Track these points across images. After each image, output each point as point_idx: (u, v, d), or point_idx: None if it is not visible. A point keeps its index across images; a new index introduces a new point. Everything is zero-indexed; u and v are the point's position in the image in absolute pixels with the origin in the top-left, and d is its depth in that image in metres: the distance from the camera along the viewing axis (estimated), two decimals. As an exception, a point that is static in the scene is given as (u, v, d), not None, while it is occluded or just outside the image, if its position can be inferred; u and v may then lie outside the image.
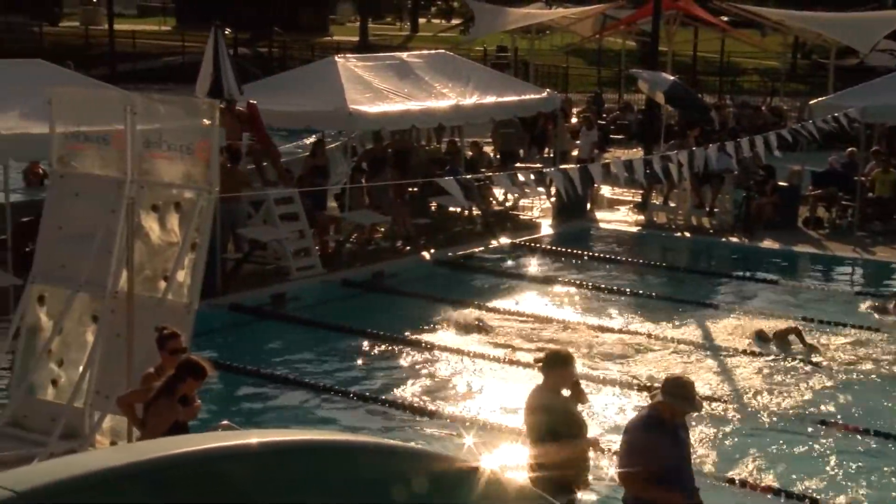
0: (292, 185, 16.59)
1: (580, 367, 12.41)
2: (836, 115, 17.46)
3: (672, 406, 6.82)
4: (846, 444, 10.58)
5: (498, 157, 23.22)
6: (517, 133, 24.11)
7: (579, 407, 7.77)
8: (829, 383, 12.19)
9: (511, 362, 12.57)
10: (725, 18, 39.41)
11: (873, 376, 12.46)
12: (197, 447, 3.97)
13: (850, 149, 20.93)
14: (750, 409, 11.36)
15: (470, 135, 21.49)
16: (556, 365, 7.51)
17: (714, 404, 11.34)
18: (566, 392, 7.59)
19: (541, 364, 7.65)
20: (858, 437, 10.71)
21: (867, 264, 17.81)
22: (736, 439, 10.70)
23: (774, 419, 11.15)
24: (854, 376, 12.42)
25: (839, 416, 11.12)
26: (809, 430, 10.88)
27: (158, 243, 9.42)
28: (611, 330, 13.93)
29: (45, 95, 10.16)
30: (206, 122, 9.48)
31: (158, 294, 9.26)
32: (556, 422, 7.38)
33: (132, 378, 8.66)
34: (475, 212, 19.28)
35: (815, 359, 12.83)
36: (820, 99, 21.13)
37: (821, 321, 14.33)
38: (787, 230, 19.23)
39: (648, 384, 11.34)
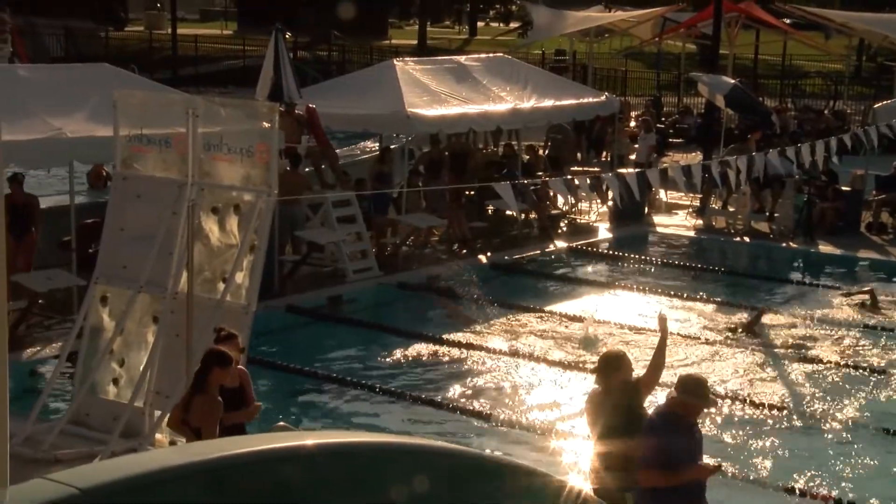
0: (350, 187, 16.69)
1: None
2: (901, 119, 17.16)
3: (687, 404, 6.86)
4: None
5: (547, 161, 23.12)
6: (566, 138, 24.00)
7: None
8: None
9: (567, 366, 12.52)
10: (788, 21, 38.87)
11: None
12: (253, 448, 4.02)
13: (916, 153, 20.56)
14: (808, 415, 11.21)
15: (525, 139, 21.45)
16: (610, 369, 7.50)
17: (766, 409, 11.23)
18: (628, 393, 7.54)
19: (595, 371, 7.65)
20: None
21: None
22: (801, 446, 10.56)
23: (837, 426, 10.99)
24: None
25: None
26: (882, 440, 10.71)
27: (218, 245, 9.53)
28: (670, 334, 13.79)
29: (109, 99, 10.34)
30: (266, 124, 9.59)
31: (217, 295, 9.37)
32: (615, 423, 7.36)
33: (190, 378, 8.76)
34: (532, 215, 19.24)
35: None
36: (885, 102, 20.78)
37: (883, 328, 14.11)
38: (849, 235, 18.92)
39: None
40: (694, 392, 6.87)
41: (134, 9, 65.80)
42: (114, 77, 14.10)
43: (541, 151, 22.94)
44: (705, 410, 7.40)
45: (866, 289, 15.36)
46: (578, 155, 24.70)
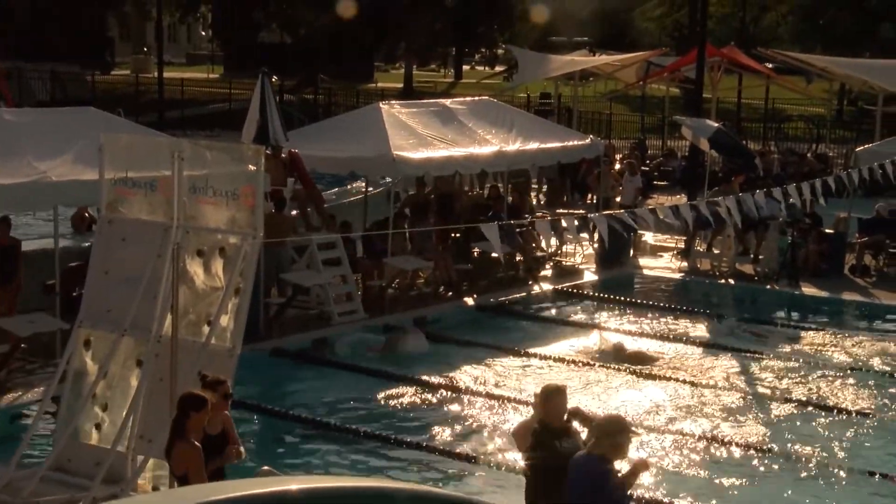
0: (335, 230, 16.70)
1: (630, 412, 12.35)
2: (882, 162, 17.29)
3: (617, 446, 6.97)
4: None
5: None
6: (527, 181, 23.98)
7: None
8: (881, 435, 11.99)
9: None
10: (770, 65, 39.30)
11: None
12: (238, 493, 3.98)
13: (898, 196, 20.73)
14: (795, 458, 11.19)
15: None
16: (544, 400, 7.71)
17: (752, 452, 11.22)
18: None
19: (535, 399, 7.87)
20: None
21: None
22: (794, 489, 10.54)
23: (814, 468, 10.98)
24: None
25: None
26: (867, 483, 10.69)
27: (203, 288, 9.50)
28: (654, 377, 13.82)
29: (95, 142, 10.34)
30: (252, 167, 9.59)
31: (202, 338, 9.32)
32: (544, 457, 7.52)
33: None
34: (517, 258, 19.27)
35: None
36: (866, 146, 20.97)
37: (868, 370, 14.13)
38: (833, 278, 19.01)
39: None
40: (620, 432, 6.98)
41: (121, 53, 66.11)
42: (100, 121, 14.11)
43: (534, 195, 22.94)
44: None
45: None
46: (564, 197, 24.79)
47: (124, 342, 9.66)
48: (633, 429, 7.39)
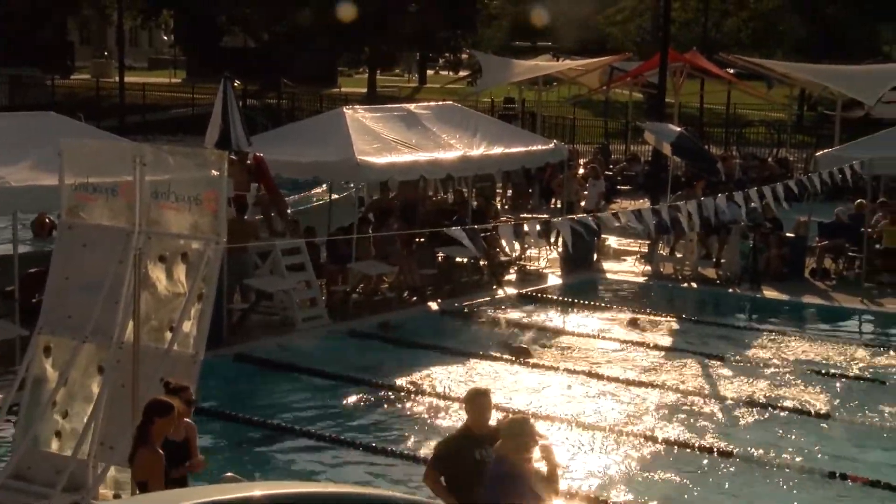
0: (299, 235, 16.64)
1: (587, 417, 12.40)
2: (842, 167, 17.49)
3: (518, 447, 7.06)
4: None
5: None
6: (492, 186, 24.11)
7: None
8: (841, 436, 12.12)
9: (515, 413, 12.49)
10: (732, 71, 39.67)
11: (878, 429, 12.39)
12: (201, 499, 3.96)
13: (857, 200, 20.98)
14: (754, 460, 11.29)
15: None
16: (469, 404, 7.82)
17: (707, 452, 11.32)
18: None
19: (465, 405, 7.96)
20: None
21: (874, 316, 17.74)
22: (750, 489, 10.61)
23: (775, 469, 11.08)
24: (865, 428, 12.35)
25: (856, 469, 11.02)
26: (827, 485, 10.80)
27: (165, 294, 9.43)
28: (617, 380, 13.88)
29: (55, 147, 10.23)
30: (215, 172, 9.53)
31: (164, 344, 9.25)
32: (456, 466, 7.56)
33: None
34: (482, 262, 19.31)
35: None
36: (826, 151, 21.20)
37: (824, 374, 14.28)
38: (793, 281, 19.20)
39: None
40: (520, 434, 7.06)
41: (81, 57, 65.45)
42: (60, 125, 13.98)
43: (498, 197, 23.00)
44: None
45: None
46: (529, 202, 24.88)
47: (85, 349, 9.56)
48: (538, 431, 7.44)
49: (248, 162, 16.12)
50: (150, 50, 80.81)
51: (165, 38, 78.20)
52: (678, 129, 21.96)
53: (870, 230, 19.63)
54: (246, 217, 15.82)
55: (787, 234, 20.05)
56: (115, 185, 9.61)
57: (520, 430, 7.15)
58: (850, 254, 20.07)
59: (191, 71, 60.54)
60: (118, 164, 9.68)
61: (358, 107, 20.36)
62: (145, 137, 31.10)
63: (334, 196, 20.34)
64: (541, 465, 7.32)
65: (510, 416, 7.55)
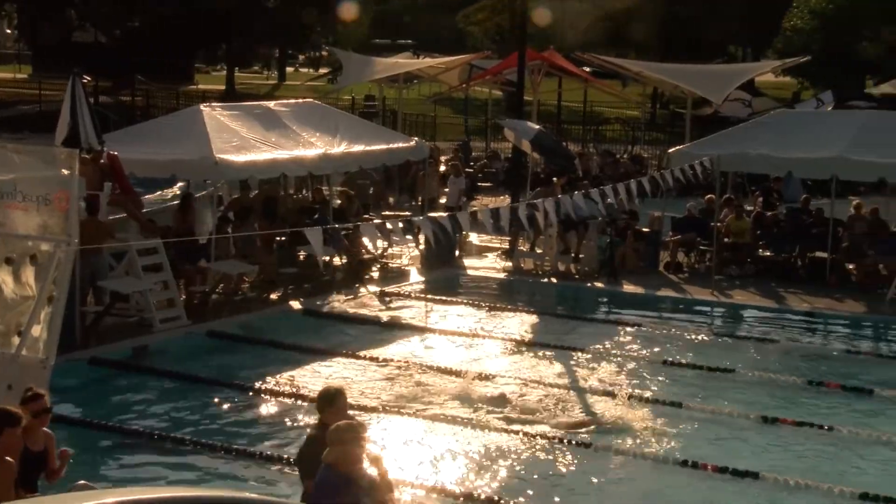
0: (155, 235, 16.26)
1: (455, 412, 12.49)
2: (692, 163, 18.07)
3: (346, 454, 6.94)
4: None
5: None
6: (371, 183, 24.19)
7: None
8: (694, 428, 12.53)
9: (381, 411, 12.50)
10: (588, 69, 40.58)
11: (728, 417, 12.85)
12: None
13: (707, 196, 21.74)
14: (616, 444, 11.57)
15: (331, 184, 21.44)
16: (324, 403, 7.73)
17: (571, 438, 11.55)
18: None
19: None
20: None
21: (724, 307, 18.40)
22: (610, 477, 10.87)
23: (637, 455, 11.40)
24: (712, 416, 12.80)
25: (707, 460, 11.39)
26: (681, 472, 11.14)
27: (12, 297, 9.13)
28: (479, 376, 14.00)
29: None
30: (65, 171, 9.26)
31: (12, 349, 8.94)
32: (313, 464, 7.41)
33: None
34: (342, 260, 19.23)
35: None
36: (677, 148, 21.89)
37: (678, 363, 14.74)
38: (649, 275, 19.78)
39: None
40: (349, 441, 6.93)
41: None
42: None
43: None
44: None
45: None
46: (391, 199, 24.92)
47: (-73, 356, 9.15)
48: (365, 436, 7.23)
49: (102, 161, 15.67)
50: (-7, 43, 77.76)
51: (9, 31, 75.26)
52: (537, 126, 22.32)
53: (718, 224, 20.37)
54: (98, 217, 15.37)
55: (644, 229, 20.63)
56: (-44, 185, 9.23)
57: (348, 436, 6.99)
58: (702, 247, 20.79)
59: (37, 66, 58.44)
60: (-41, 162, 9.30)
61: (216, 104, 20.02)
62: (-10, 135, 29.87)
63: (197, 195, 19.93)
64: (372, 472, 7.26)
65: (343, 421, 7.35)
